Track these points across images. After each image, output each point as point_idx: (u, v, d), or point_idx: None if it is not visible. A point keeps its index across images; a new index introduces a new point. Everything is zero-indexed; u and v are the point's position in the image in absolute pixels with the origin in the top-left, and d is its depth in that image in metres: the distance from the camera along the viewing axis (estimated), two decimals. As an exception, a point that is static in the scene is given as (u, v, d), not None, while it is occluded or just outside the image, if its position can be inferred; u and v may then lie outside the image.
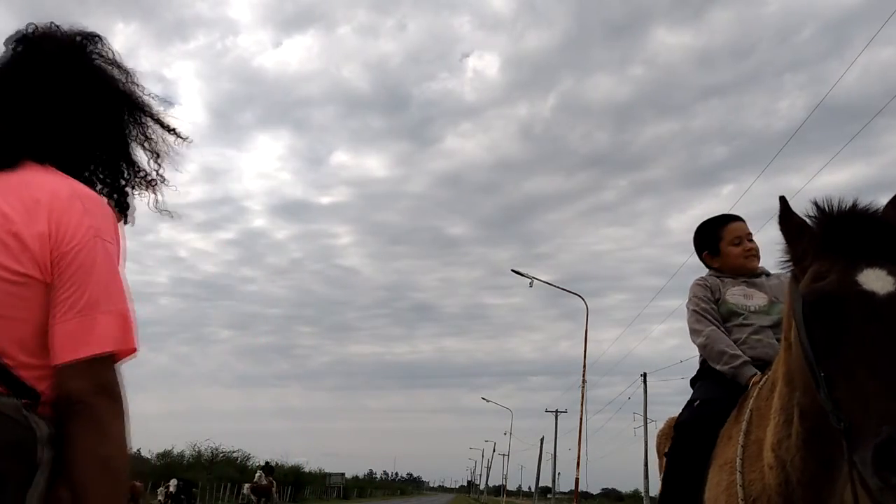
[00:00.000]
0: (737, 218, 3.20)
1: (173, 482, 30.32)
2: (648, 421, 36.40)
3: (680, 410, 3.06)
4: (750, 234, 3.17)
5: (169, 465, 46.23)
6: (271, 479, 31.77)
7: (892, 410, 1.49)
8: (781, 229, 2.00)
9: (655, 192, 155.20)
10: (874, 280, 1.70)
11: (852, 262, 1.76)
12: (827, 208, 1.90)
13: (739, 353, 2.79)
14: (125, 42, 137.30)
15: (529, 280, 29.24)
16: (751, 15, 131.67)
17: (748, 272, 3.09)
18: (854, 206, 1.87)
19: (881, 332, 1.62)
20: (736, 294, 3.00)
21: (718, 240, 3.17)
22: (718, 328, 2.93)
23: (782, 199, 2.00)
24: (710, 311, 2.98)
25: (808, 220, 1.94)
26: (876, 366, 1.58)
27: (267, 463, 38.08)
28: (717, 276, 3.12)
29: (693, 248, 3.32)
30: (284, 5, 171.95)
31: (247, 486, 34.36)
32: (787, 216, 1.99)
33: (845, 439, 1.60)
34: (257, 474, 32.25)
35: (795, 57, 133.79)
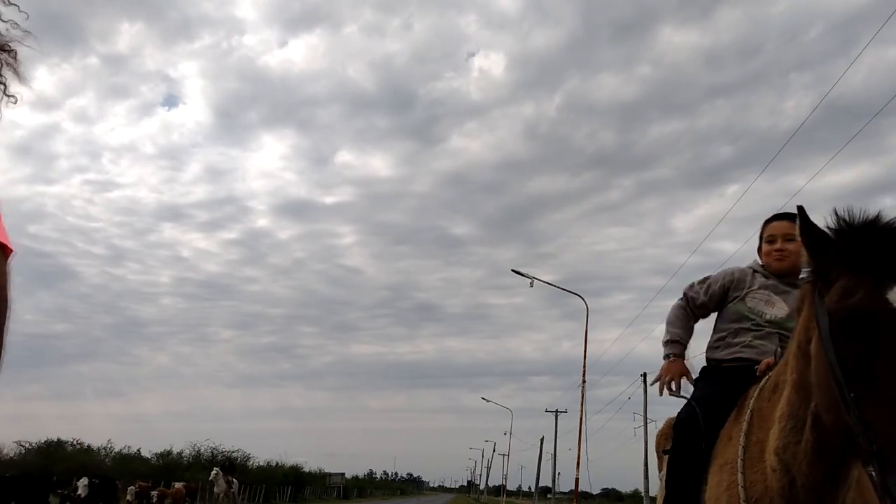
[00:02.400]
0: (784, 216, 3.05)
1: (83, 482, 25.95)
2: (648, 421, 36.42)
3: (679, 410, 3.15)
4: (790, 234, 2.96)
5: (169, 465, 46.31)
6: (230, 477, 27.74)
7: None
8: (803, 240, 1.95)
9: (660, 191, 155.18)
10: None
11: (882, 280, 1.71)
12: (851, 220, 1.85)
13: (678, 331, 3.08)
14: (130, 42, 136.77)
15: (530, 280, 29.29)
16: (758, 14, 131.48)
17: (777, 273, 3.02)
18: (878, 218, 1.82)
19: None
20: (757, 297, 2.98)
21: (760, 237, 3.17)
22: (689, 312, 3.15)
23: (800, 209, 1.95)
24: (694, 298, 3.15)
25: (829, 231, 1.90)
26: None
27: (229, 460, 34.10)
28: (756, 271, 3.10)
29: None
30: (291, 4, 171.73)
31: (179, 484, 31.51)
32: (808, 227, 1.94)
33: (877, 463, 1.57)
34: (213, 472, 28.00)
35: (802, 56, 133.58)
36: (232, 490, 27.58)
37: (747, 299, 2.99)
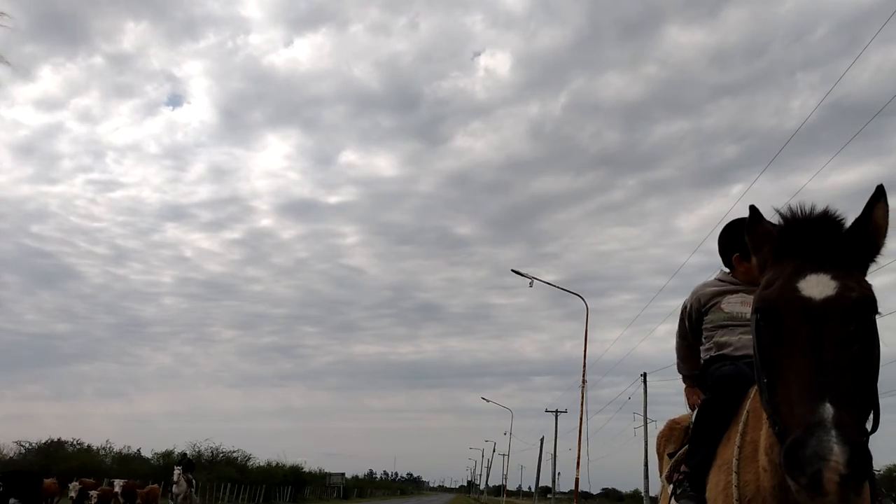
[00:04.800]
0: None
1: None
2: (648, 421, 36.41)
3: (684, 410, 3.38)
4: None
5: (169, 465, 46.29)
6: (190, 476, 25.59)
7: (804, 413, 1.56)
8: (747, 238, 2.07)
9: (664, 191, 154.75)
10: (814, 286, 1.76)
11: (799, 269, 1.82)
12: (788, 215, 1.94)
13: (684, 366, 3.38)
14: (135, 41, 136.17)
15: (529, 280, 29.30)
16: (765, 13, 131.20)
17: (751, 284, 2.97)
18: (812, 211, 1.90)
19: (811, 336, 1.68)
20: (733, 302, 3.00)
21: (723, 244, 3.14)
22: (686, 342, 3.29)
23: (752, 209, 2.04)
24: (682, 331, 3.29)
25: (774, 229, 1.99)
26: (802, 370, 1.64)
27: (187, 457, 30.69)
28: (722, 282, 3.11)
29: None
30: (297, 3, 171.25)
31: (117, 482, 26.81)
32: (753, 225, 2.04)
33: (779, 442, 1.67)
34: (176, 472, 25.59)
35: (809, 56, 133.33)
36: (191, 490, 25.91)
37: (723, 306, 3.01)
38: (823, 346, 1.65)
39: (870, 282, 1.89)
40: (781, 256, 1.90)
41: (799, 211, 1.92)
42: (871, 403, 1.69)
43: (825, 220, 1.88)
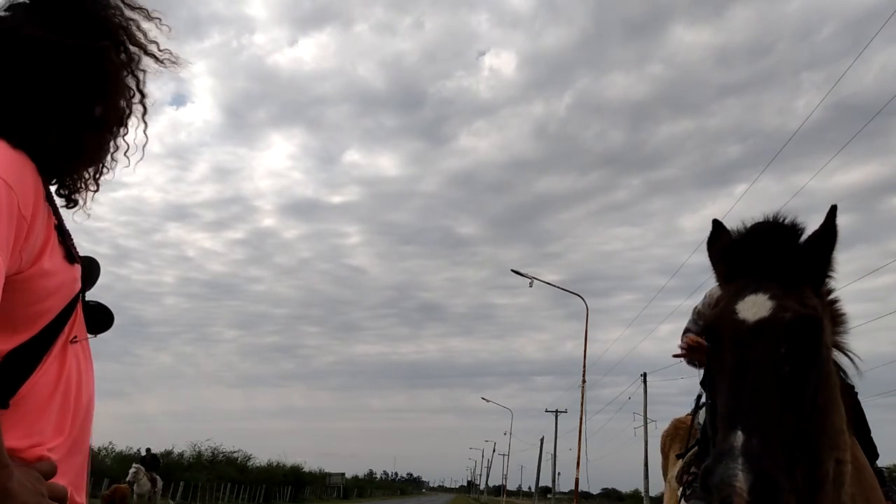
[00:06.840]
0: None
1: None
2: (648, 421, 36.36)
3: (685, 410, 3.47)
4: None
5: (169, 465, 46.28)
6: (154, 475, 23.38)
7: (719, 440, 1.56)
8: (708, 254, 2.01)
9: (668, 191, 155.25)
10: (749, 307, 1.73)
11: (741, 289, 1.78)
12: (737, 231, 1.89)
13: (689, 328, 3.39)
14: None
15: (530, 280, 29.27)
16: (771, 13, 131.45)
17: None
18: (761, 227, 1.85)
19: (739, 360, 1.66)
20: None
21: None
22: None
23: (715, 223, 1.98)
24: (693, 326, 3.40)
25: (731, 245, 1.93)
26: (726, 395, 1.64)
27: (149, 451, 26.90)
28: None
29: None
30: (302, 3, 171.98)
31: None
32: (712, 240, 1.98)
33: None
34: (133, 469, 23.14)
35: (814, 55, 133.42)
36: (156, 490, 23.43)
37: None
38: (747, 369, 1.63)
39: (832, 296, 1.85)
40: (731, 275, 1.86)
41: (748, 227, 1.87)
42: (807, 424, 1.63)
43: (773, 237, 1.82)
